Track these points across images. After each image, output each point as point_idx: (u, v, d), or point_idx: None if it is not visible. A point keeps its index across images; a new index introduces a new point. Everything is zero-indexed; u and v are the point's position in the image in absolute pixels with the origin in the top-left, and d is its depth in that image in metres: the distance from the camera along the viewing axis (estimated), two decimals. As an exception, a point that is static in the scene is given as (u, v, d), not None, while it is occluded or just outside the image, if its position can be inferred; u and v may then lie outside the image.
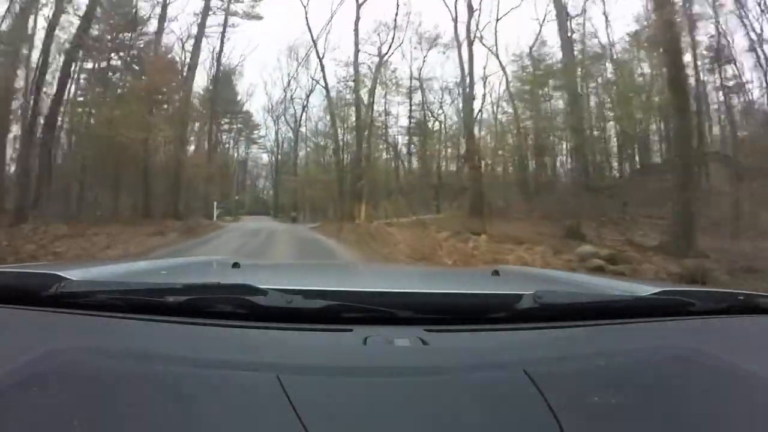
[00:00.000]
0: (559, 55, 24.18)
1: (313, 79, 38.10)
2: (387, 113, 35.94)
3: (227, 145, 53.33)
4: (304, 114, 45.97)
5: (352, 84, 33.01)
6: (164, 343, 0.80)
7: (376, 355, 0.79)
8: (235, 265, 1.58)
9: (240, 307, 0.87)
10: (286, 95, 47.62)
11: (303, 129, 46.89)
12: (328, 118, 38.46)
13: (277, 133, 54.06)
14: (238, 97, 50.29)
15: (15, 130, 20.53)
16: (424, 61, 32.81)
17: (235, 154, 58.24)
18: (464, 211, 25.23)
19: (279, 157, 56.07)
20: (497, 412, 0.63)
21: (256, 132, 56.83)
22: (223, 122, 49.36)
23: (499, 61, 27.36)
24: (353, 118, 34.23)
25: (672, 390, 0.72)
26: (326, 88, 34.44)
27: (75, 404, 0.61)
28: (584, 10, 23.85)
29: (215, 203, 32.88)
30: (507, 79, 28.35)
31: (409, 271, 2.70)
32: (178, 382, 0.65)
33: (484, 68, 28.76)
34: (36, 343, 0.74)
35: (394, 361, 0.76)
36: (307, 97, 44.03)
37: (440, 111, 35.98)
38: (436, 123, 36.92)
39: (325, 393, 0.64)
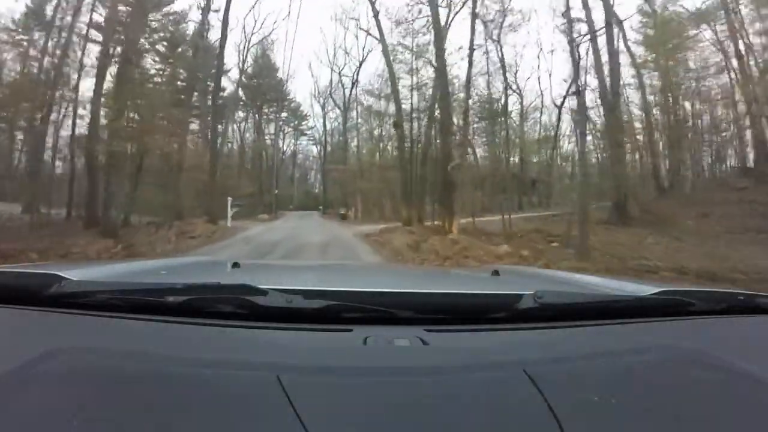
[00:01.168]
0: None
1: (365, 32, 30.41)
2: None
3: (275, 136, 49.51)
4: (353, 90, 40.99)
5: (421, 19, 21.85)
6: (164, 343, 0.80)
7: (376, 355, 0.79)
8: (235, 265, 1.59)
9: (240, 307, 0.88)
10: (332, 71, 43.46)
11: (354, 114, 41.85)
12: (380, 90, 30.83)
13: (324, 118, 49.61)
14: (284, 86, 46.64)
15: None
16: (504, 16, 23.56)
17: (283, 146, 54.62)
18: (573, 211, 17.09)
19: (328, 147, 51.03)
20: (497, 412, 0.63)
21: (304, 123, 54.02)
22: (267, 111, 46.68)
23: (613, 12, 19.19)
24: (415, 82, 24.84)
25: (672, 390, 0.72)
26: (379, 28, 24.43)
27: (75, 404, 0.61)
28: None
29: (230, 201, 25.38)
30: (624, 36, 21.62)
31: (409, 271, 2.71)
32: (178, 382, 0.65)
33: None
34: (36, 343, 0.75)
35: (394, 361, 0.76)
36: (358, 68, 38.97)
37: (514, 84, 28.35)
38: (509, 98, 28.20)
39: (325, 393, 0.64)
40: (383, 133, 36.07)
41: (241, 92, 42.61)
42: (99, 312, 0.89)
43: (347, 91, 42.75)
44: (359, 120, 40.60)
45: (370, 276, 1.95)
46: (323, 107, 50.00)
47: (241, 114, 44.92)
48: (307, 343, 0.83)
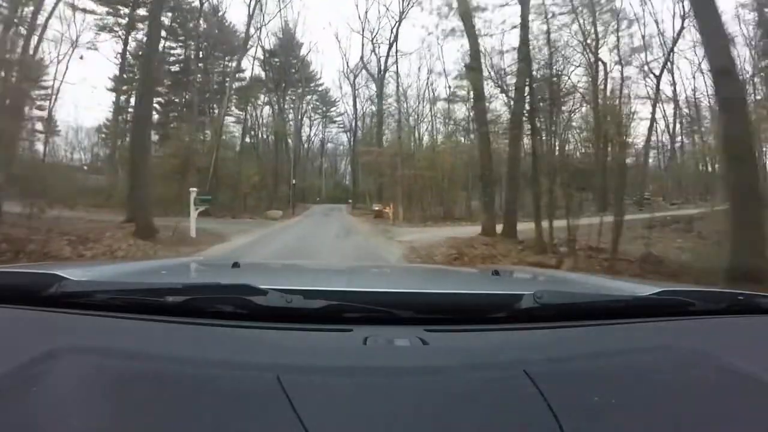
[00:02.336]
0: None
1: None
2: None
3: (295, 115, 42.82)
4: (391, 51, 34.80)
5: None
6: (164, 343, 0.80)
7: (376, 355, 0.79)
8: (235, 265, 1.58)
9: (240, 307, 0.88)
10: (363, 37, 36.46)
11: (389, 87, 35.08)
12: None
13: (355, 99, 42.78)
14: (305, 58, 41.34)
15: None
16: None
17: (310, 134, 49.53)
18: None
19: (358, 133, 43.74)
20: (497, 412, 0.63)
21: (333, 109, 48.97)
22: (291, 93, 40.97)
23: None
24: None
25: (672, 390, 0.72)
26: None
27: (75, 404, 0.62)
28: None
29: (192, 194, 15.57)
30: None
31: (409, 271, 2.71)
32: (178, 382, 0.66)
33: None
34: (36, 343, 0.75)
35: (394, 361, 0.76)
36: (398, 23, 33.20)
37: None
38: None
39: (325, 393, 0.64)
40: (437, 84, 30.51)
41: (258, 68, 37.90)
42: (99, 312, 0.90)
43: (383, 60, 37.87)
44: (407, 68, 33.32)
45: (370, 276, 1.95)
46: (353, 85, 43.36)
47: (264, 98, 39.79)
48: (307, 343, 0.83)
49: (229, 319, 0.87)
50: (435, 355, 0.80)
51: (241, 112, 37.55)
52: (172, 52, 30.13)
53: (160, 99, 31.04)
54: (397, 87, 35.88)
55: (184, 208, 16.02)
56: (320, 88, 48.70)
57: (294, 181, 38.12)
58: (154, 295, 0.91)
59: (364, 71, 41.47)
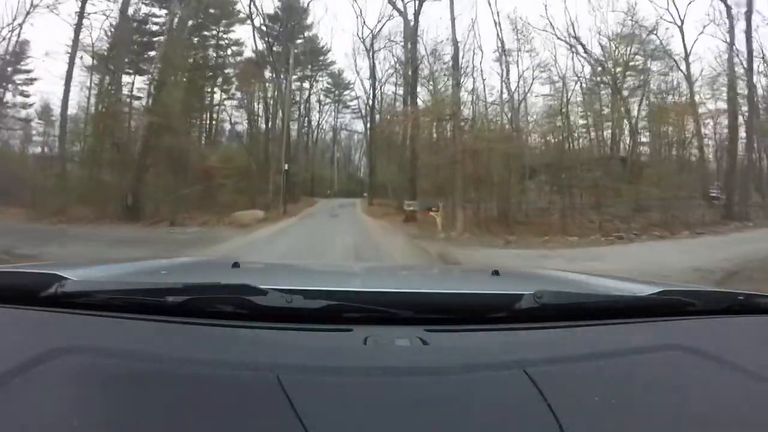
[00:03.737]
0: None
1: None
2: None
3: (288, 72, 30.87)
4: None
5: None
6: (164, 343, 0.80)
7: (376, 355, 0.79)
8: (235, 265, 1.56)
9: (240, 307, 0.88)
10: None
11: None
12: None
13: (372, 66, 27.78)
14: (319, 39, 33.99)
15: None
16: None
17: (320, 120, 41.67)
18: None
19: (375, 115, 29.47)
20: (497, 412, 0.63)
21: (347, 93, 40.26)
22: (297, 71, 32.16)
23: None
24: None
25: (672, 390, 0.72)
26: None
27: (75, 404, 0.62)
28: None
29: None
30: None
31: (409, 271, 2.67)
32: (178, 382, 0.66)
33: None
34: (36, 343, 0.75)
35: (394, 361, 0.76)
36: None
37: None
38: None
39: (325, 393, 0.64)
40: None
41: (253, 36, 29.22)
42: (99, 312, 0.90)
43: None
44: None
45: (370, 276, 1.93)
46: (371, 48, 28.96)
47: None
48: (307, 343, 0.83)
49: (229, 319, 0.87)
50: (435, 355, 0.80)
51: (239, 92, 30.78)
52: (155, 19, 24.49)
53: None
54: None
55: (113, 207, 12.32)
56: (332, 67, 40.89)
57: (287, 166, 25.13)
58: (154, 295, 0.91)
59: (384, 31, 28.42)
